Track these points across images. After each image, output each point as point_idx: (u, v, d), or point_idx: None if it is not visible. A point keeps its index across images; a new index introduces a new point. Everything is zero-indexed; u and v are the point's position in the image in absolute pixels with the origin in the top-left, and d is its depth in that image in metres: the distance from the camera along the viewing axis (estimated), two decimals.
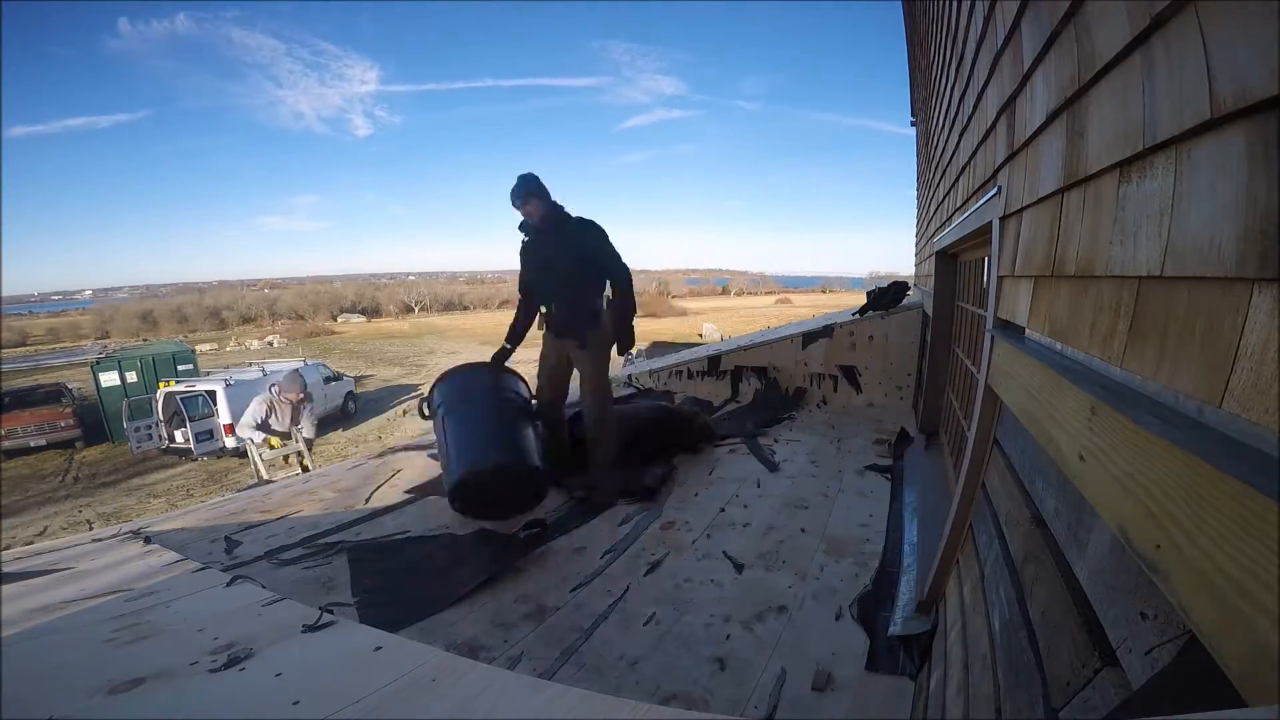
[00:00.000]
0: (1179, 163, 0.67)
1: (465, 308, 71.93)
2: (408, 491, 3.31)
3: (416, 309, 67.68)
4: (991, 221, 1.70)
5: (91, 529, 7.41)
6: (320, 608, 1.47)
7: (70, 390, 15.31)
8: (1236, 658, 0.48)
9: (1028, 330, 1.33)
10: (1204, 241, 0.61)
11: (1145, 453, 0.65)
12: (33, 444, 13.45)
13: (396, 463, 4.00)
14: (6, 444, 13.12)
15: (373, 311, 64.65)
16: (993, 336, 1.56)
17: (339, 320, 56.88)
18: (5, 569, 1.79)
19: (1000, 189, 1.64)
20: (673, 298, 62.49)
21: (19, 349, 38.62)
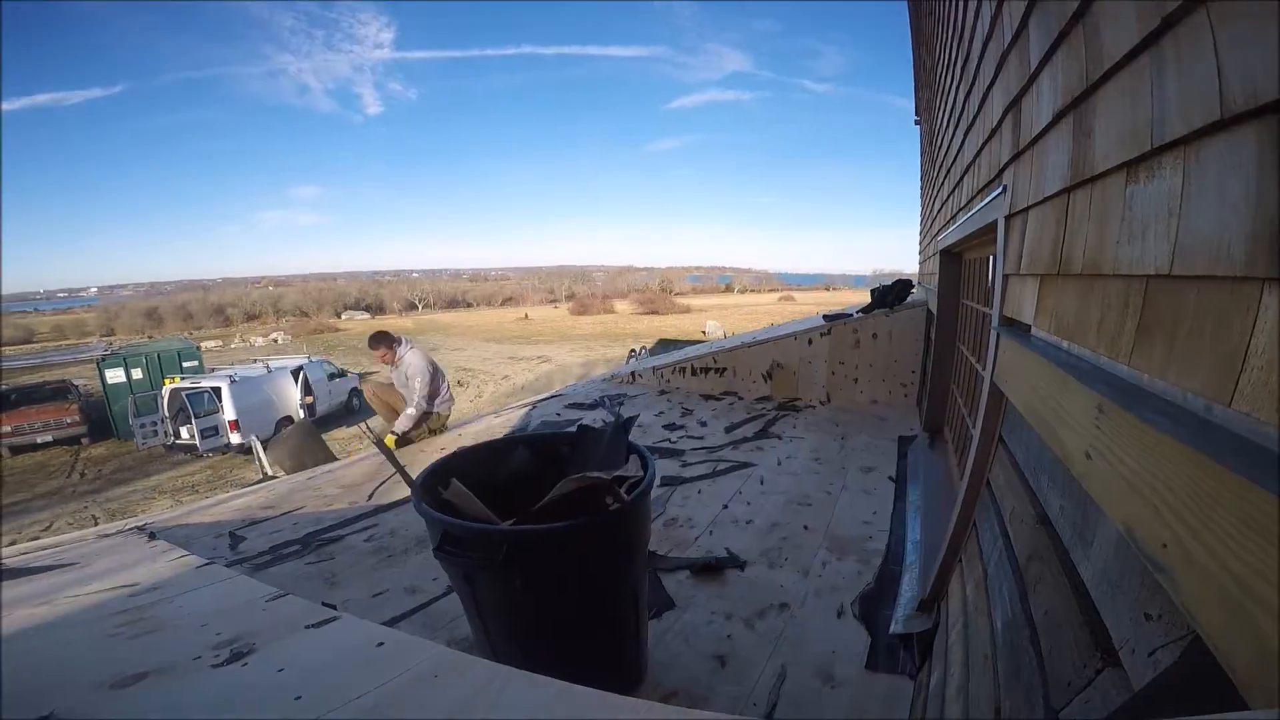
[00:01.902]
0: (1188, 163, 0.66)
1: (469, 305, 71.98)
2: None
3: (420, 306, 67.79)
4: (997, 220, 1.69)
5: (97, 524, 7.46)
6: (323, 603, 1.47)
7: (76, 387, 15.37)
8: (1241, 660, 0.48)
9: (1033, 328, 1.32)
10: (1213, 241, 0.60)
11: (1153, 452, 0.64)
12: (39, 440, 13.52)
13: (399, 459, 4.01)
14: (13, 440, 13.20)
15: (377, 308, 64.74)
16: (998, 334, 1.56)
17: (343, 317, 56.94)
18: (11, 564, 1.80)
19: (1006, 188, 1.63)
20: (676, 295, 62.39)
21: (25, 346, 38.80)
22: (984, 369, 1.75)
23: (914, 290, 5.44)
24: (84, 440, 13.97)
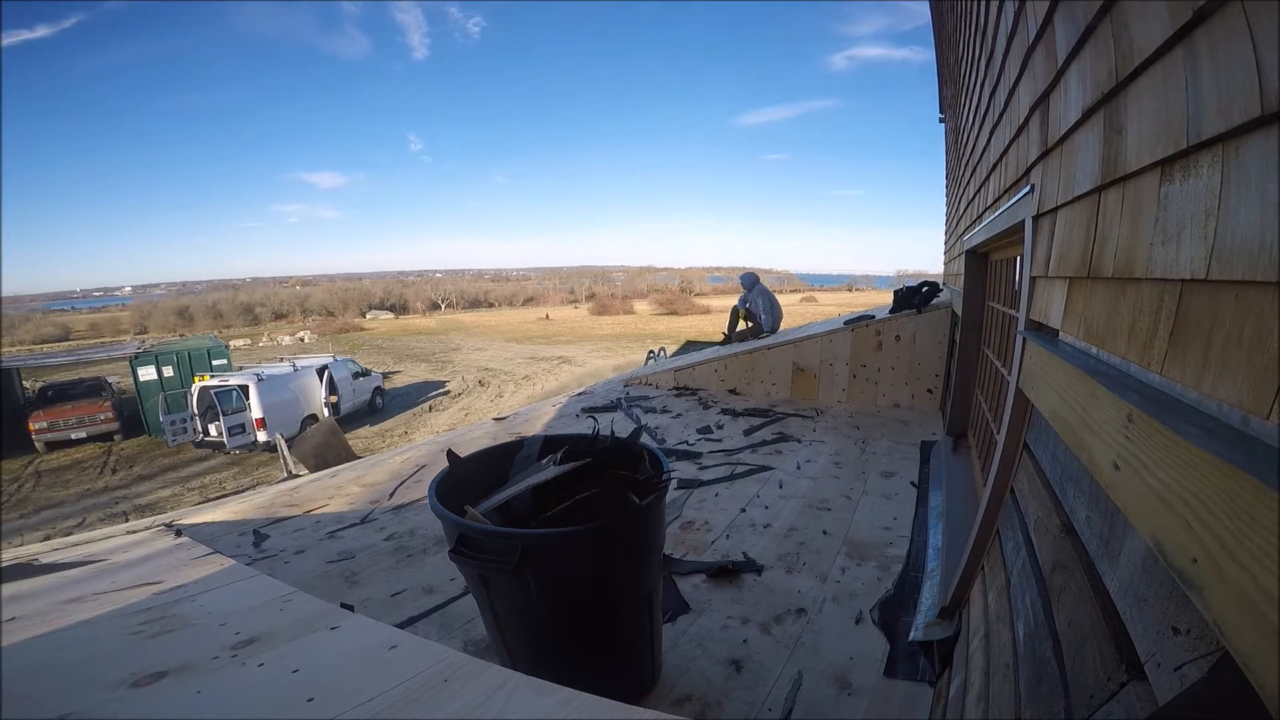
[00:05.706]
0: (1226, 161, 0.63)
1: (490, 305, 72.57)
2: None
3: (443, 306, 68.53)
4: (1024, 220, 1.66)
5: (128, 521, 7.65)
6: (341, 604, 1.49)
7: (110, 384, 15.79)
8: (1272, 679, 0.45)
9: (1061, 333, 1.29)
10: (1253, 244, 0.58)
11: (1185, 464, 0.62)
12: (74, 436, 13.90)
13: (421, 458, 4.06)
14: (49, 436, 13.59)
15: (400, 308, 65.52)
16: (1024, 338, 1.52)
17: (368, 316, 57.70)
18: (45, 560, 1.85)
19: (1033, 187, 1.59)
20: (695, 296, 62.08)
21: (62, 344, 39.95)
22: (1009, 374, 1.72)
23: (941, 292, 5.37)
24: (117, 437, 14.33)
